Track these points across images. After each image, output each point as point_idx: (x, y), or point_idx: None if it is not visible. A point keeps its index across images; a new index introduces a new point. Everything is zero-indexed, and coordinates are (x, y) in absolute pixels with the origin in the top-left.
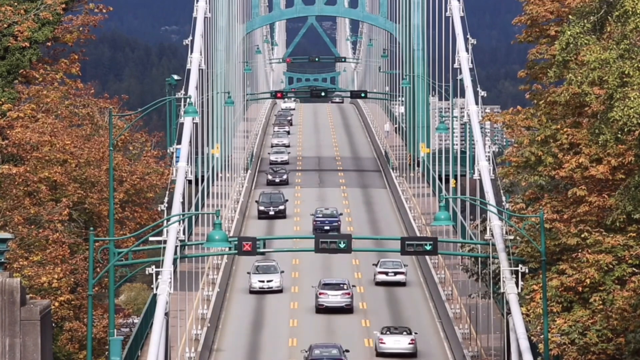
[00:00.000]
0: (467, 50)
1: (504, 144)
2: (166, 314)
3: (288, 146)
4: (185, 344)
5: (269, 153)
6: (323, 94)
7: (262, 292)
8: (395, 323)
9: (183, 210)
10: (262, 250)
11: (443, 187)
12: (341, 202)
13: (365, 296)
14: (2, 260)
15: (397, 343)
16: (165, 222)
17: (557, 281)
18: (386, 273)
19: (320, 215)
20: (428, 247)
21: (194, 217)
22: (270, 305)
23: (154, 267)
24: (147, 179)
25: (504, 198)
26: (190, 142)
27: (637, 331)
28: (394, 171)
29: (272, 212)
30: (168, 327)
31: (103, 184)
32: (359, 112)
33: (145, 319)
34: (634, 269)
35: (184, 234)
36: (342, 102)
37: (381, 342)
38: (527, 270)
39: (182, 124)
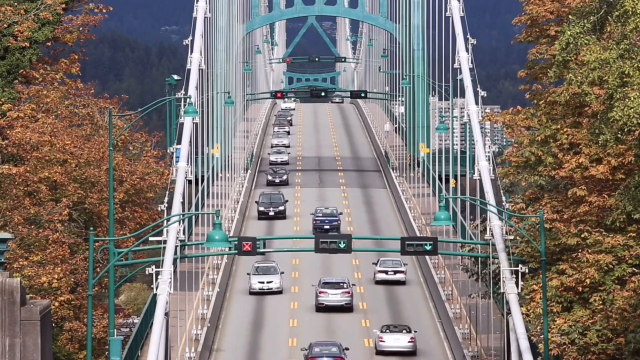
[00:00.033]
0: (467, 50)
1: (504, 144)
2: (166, 314)
3: (288, 146)
4: (185, 344)
5: (268, 153)
6: (323, 94)
7: (262, 293)
8: (395, 322)
9: (183, 210)
10: (262, 250)
11: (443, 187)
12: (341, 202)
13: (365, 296)
14: (2, 260)
15: (397, 341)
16: (165, 222)
17: (557, 281)
18: (386, 272)
19: (320, 215)
20: (428, 247)
21: (194, 217)
22: (270, 305)
23: (154, 267)
24: (147, 179)
25: (504, 198)
26: (190, 142)
27: (637, 331)
28: (394, 171)
29: (272, 213)
30: (168, 327)
31: (103, 184)
32: (359, 112)
33: (145, 319)
34: (634, 269)
35: (184, 234)
36: (342, 102)
37: (381, 341)
38: (527, 270)
39: (182, 124)
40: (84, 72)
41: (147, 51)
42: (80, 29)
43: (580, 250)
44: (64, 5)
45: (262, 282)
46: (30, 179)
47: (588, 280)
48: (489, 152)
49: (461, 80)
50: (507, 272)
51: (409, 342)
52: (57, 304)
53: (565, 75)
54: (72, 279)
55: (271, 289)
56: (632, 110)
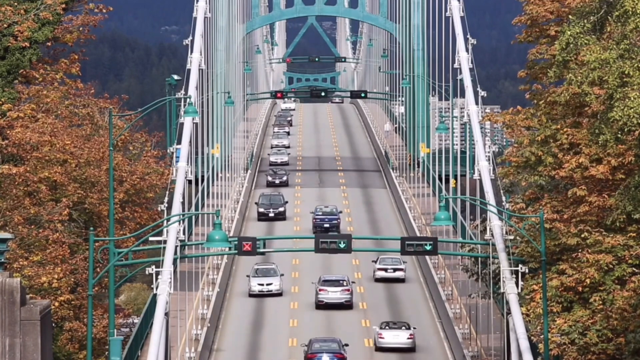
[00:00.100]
0: (467, 50)
1: (504, 144)
2: (166, 314)
3: (288, 147)
4: (185, 344)
5: (268, 154)
6: (323, 94)
7: (261, 295)
8: (395, 320)
9: (183, 210)
10: (262, 250)
11: (443, 187)
12: (341, 202)
13: (365, 296)
14: (2, 260)
15: (396, 338)
16: (165, 222)
17: (557, 281)
18: (385, 269)
19: (320, 213)
20: (428, 247)
21: (194, 217)
22: (270, 305)
23: (154, 267)
24: (147, 179)
25: (504, 198)
26: (190, 142)
27: (637, 331)
28: (394, 171)
29: (271, 214)
30: (168, 327)
31: (103, 184)
32: (359, 112)
33: (145, 319)
34: (634, 269)
35: (184, 234)
36: (342, 102)
37: (380, 337)
38: (527, 270)
39: (182, 124)
40: (84, 72)
41: (147, 51)
42: (80, 29)
43: (580, 250)
44: (64, 5)
45: (262, 284)
46: (30, 179)
47: (588, 280)
48: (489, 152)
49: (461, 80)
50: (507, 272)
51: (408, 338)
52: (57, 304)
53: (565, 75)
54: (72, 279)
55: (271, 291)
56: (632, 110)
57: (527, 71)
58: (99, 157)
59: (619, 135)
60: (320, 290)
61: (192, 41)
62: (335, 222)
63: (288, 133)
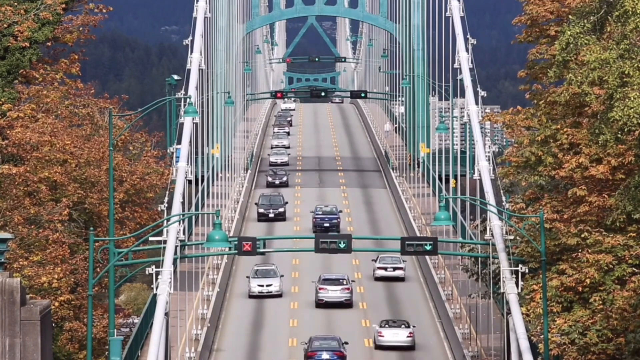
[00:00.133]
0: (467, 50)
1: (504, 144)
2: (166, 314)
3: (288, 147)
4: (185, 344)
5: (268, 154)
6: (323, 94)
7: (261, 296)
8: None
9: (183, 210)
10: (262, 250)
11: (443, 187)
12: (341, 202)
13: (365, 296)
14: (2, 260)
15: (396, 336)
16: (165, 222)
17: (557, 281)
18: (385, 268)
19: (320, 213)
20: (428, 247)
21: (194, 217)
22: (270, 305)
23: (154, 267)
24: (147, 179)
25: (504, 198)
26: (190, 142)
27: (637, 331)
28: (394, 171)
29: (271, 215)
30: (168, 327)
31: (103, 184)
32: (359, 112)
33: (145, 319)
34: (634, 269)
35: (184, 234)
36: (342, 102)
37: (380, 335)
38: (527, 270)
39: (182, 124)
40: (84, 72)
41: (147, 51)
42: (80, 29)
43: (580, 250)
44: (64, 5)
45: (262, 286)
46: (30, 179)
47: (588, 280)
48: (489, 152)
49: (461, 80)
50: (507, 272)
51: (408, 337)
52: (57, 304)
53: (565, 75)
54: (72, 279)
55: (271, 292)
56: (632, 110)
57: (527, 71)
58: (99, 157)
59: (619, 135)
60: (320, 289)
61: (192, 41)
62: (335, 221)
63: (288, 133)
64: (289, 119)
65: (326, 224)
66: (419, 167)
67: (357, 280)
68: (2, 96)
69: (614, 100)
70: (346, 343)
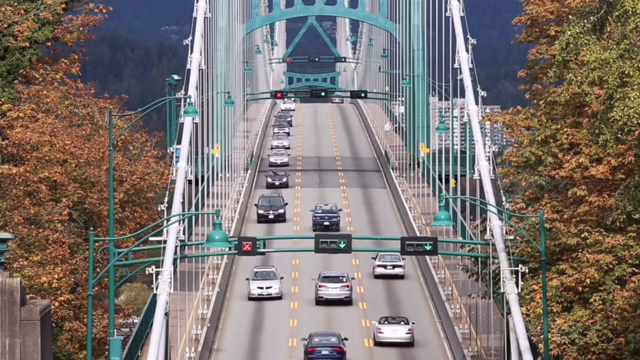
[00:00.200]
0: (467, 50)
1: (504, 144)
2: (166, 314)
3: (288, 148)
4: (185, 344)
5: (268, 155)
6: (323, 94)
7: (261, 299)
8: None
9: (183, 210)
10: (262, 250)
11: (443, 187)
12: (341, 202)
13: (365, 295)
14: (2, 260)
15: (395, 332)
16: (165, 222)
17: (557, 281)
18: (385, 266)
19: (320, 211)
20: (428, 247)
21: (194, 217)
22: (270, 305)
23: (154, 267)
24: (147, 179)
25: (504, 198)
26: (190, 142)
27: (637, 331)
28: (394, 171)
29: (271, 216)
30: (168, 327)
31: (103, 184)
32: (359, 112)
33: (145, 319)
34: (634, 269)
35: (184, 234)
36: (342, 102)
37: (379, 332)
38: (527, 270)
39: (182, 124)
40: (84, 72)
41: (147, 51)
42: (80, 29)
43: (580, 250)
44: (64, 5)
45: (262, 288)
46: (30, 179)
47: (588, 280)
48: (489, 152)
49: (461, 80)
50: (507, 272)
51: (407, 333)
52: (57, 304)
53: (565, 75)
54: (72, 279)
55: (270, 294)
56: (632, 110)
57: (527, 71)
58: (99, 157)
59: (619, 135)
60: (320, 286)
61: (192, 41)
62: (335, 220)
63: (288, 134)
64: (288, 119)
65: (326, 223)
66: (419, 167)
67: (357, 280)
68: (2, 96)
69: (614, 100)
70: (346, 339)
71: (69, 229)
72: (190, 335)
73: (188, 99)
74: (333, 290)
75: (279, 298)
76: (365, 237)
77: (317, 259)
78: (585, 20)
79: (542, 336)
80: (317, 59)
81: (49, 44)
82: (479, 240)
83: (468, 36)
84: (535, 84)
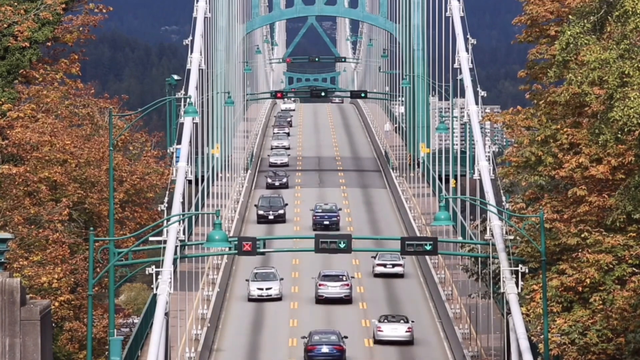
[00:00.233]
0: (467, 50)
1: (504, 144)
2: (166, 314)
3: (288, 148)
4: (185, 344)
5: (268, 155)
6: (323, 94)
7: (260, 300)
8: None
9: (183, 210)
10: (262, 250)
11: (443, 187)
12: (341, 202)
13: (365, 295)
14: (2, 260)
15: (395, 331)
16: (165, 222)
17: (557, 281)
18: (384, 265)
19: (320, 210)
20: (428, 247)
21: (194, 217)
22: (270, 305)
23: (154, 267)
24: (147, 179)
25: (504, 198)
26: (190, 142)
27: (637, 331)
28: (394, 171)
29: (271, 217)
30: (168, 327)
31: (103, 184)
32: (359, 112)
33: (145, 319)
34: (634, 269)
35: (184, 234)
36: (342, 102)
37: (379, 330)
38: (527, 270)
39: (182, 124)
40: (84, 72)
41: (147, 51)
42: (80, 29)
43: (580, 250)
44: (64, 5)
45: (261, 289)
46: (30, 179)
47: (588, 280)
48: (489, 152)
49: (461, 80)
50: (507, 272)
51: (407, 331)
52: (57, 304)
53: (565, 75)
54: (72, 279)
55: (270, 295)
56: (632, 110)
57: (527, 71)
58: (99, 157)
59: (619, 135)
60: (320, 285)
61: (192, 41)
62: (335, 219)
63: (288, 134)
64: (288, 119)
65: (326, 222)
66: (419, 167)
67: (357, 280)
68: (2, 96)
69: (614, 100)
70: (345, 337)
71: (69, 229)
72: (190, 335)
73: (188, 99)
74: (333, 289)
75: (279, 299)
76: (365, 237)
77: (317, 259)
78: (585, 20)
79: (542, 336)
80: (317, 59)
81: (49, 44)
82: (479, 240)
83: (468, 36)
84: (535, 84)
